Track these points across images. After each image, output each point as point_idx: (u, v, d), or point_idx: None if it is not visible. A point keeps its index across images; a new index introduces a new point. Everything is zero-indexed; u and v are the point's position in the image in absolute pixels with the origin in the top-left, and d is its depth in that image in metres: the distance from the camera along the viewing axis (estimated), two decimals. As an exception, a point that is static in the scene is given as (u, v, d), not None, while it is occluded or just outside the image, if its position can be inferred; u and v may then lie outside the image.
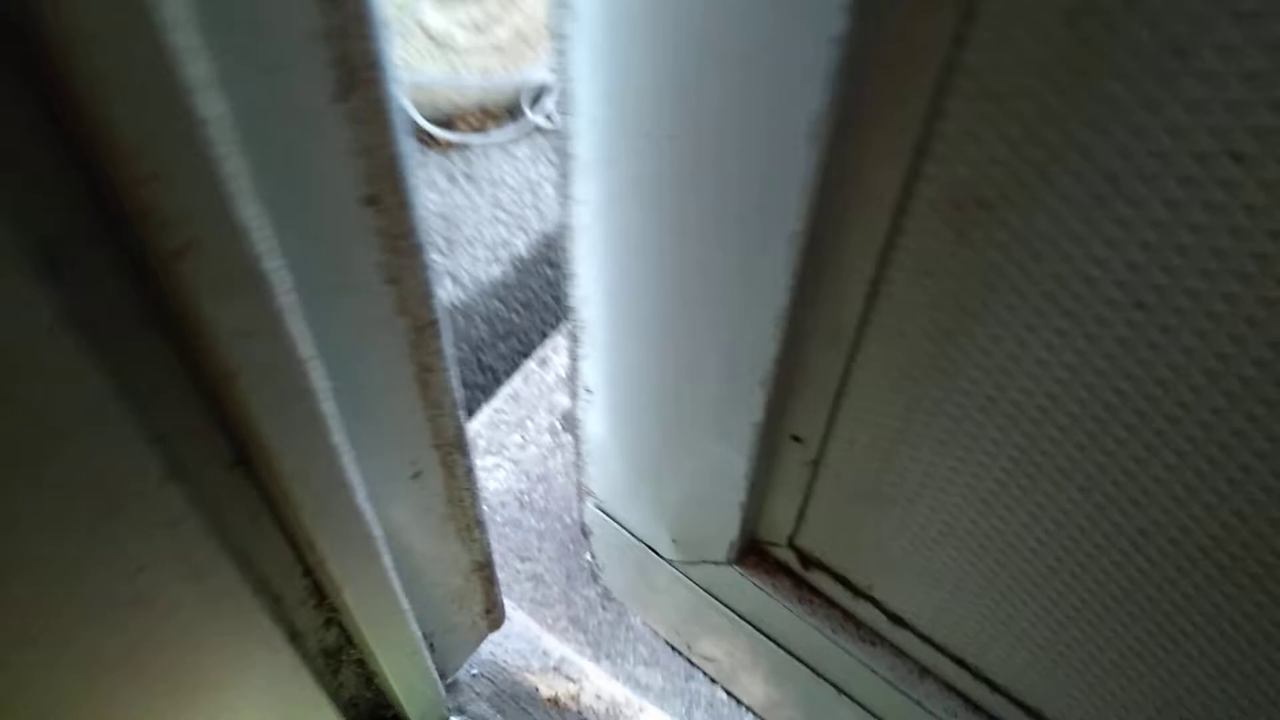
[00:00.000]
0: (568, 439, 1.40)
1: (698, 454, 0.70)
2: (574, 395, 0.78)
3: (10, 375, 0.37)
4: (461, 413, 0.69)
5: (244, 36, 0.38)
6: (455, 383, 0.66)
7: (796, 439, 0.66)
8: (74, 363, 0.38)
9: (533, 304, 1.68)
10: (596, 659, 1.19)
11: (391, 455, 0.66)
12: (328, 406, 0.52)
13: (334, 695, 0.79)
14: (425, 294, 0.58)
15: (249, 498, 0.56)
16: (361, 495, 0.60)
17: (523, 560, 1.28)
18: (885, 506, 0.65)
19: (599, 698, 1.10)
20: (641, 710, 1.10)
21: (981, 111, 0.41)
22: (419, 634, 0.78)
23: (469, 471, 0.74)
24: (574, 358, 0.74)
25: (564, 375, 1.48)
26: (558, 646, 1.15)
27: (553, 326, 1.63)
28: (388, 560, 0.67)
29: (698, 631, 0.95)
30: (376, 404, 0.62)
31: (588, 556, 1.08)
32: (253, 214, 0.40)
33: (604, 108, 0.53)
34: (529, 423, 1.43)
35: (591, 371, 0.73)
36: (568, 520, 1.30)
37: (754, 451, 0.66)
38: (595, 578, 1.11)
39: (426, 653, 0.82)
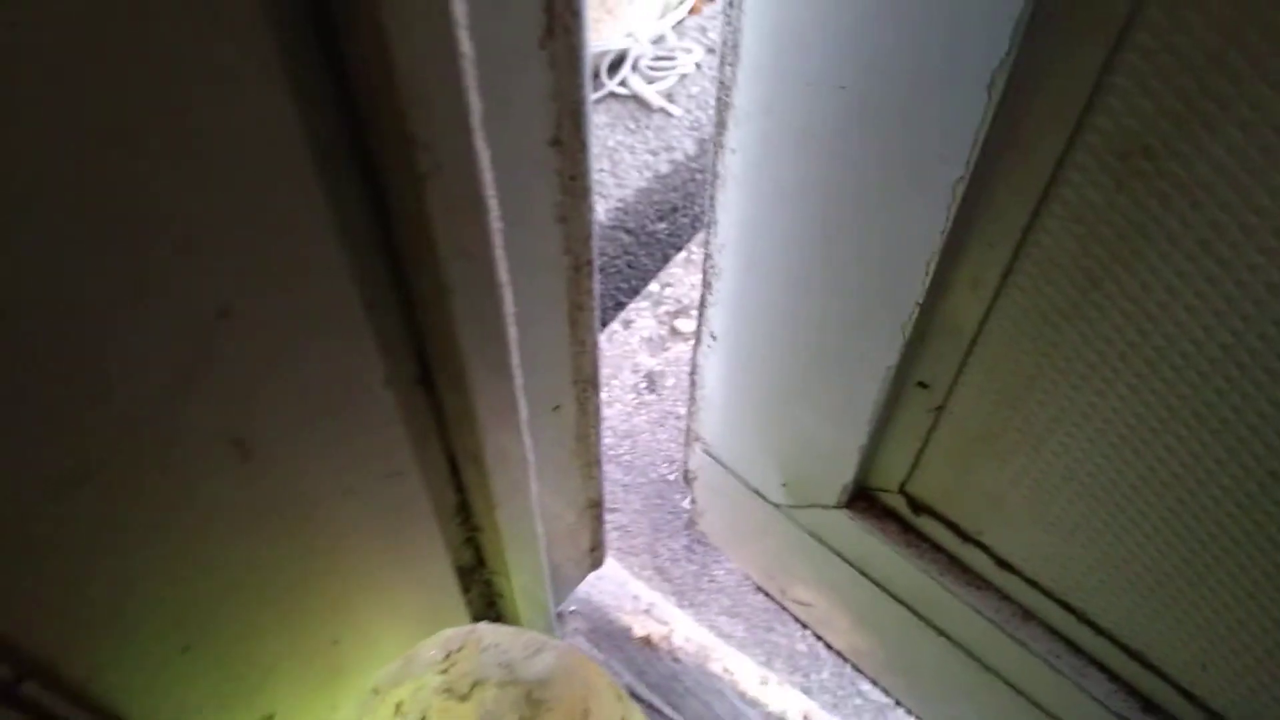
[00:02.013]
0: (652, 398, 1.44)
1: (822, 400, 0.74)
2: (698, 341, 0.82)
3: (300, 269, 0.42)
4: (598, 351, 0.74)
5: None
6: (597, 322, 0.71)
7: (922, 385, 0.69)
8: (341, 266, 0.43)
9: (609, 269, 1.72)
10: (681, 606, 1.23)
11: (540, 387, 0.71)
12: (513, 331, 0.57)
13: (464, 611, 0.85)
14: (588, 234, 0.62)
15: (423, 415, 0.61)
16: (525, 419, 0.65)
17: (610, 511, 1.33)
18: (1006, 453, 0.68)
19: (688, 640, 1.15)
20: (728, 655, 1.15)
21: (1158, 65, 0.44)
22: (547, 560, 0.83)
23: (598, 409, 0.79)
24: (703, 304, 0.78)
25: (647, 337, 1.52)
26: (647, 592, 1.20)
27: (632, 291, 1.67)
28: (535, 485, 0.72)
29: (795, 576, 1.00)
30: (534, 337, 0.66)
31: (686, 502, 1.13)
32: (482, 145, 0.45)
33: (770, 57, 0.57)
34: (614, 382, 1.48)
35: (719, 318, 0.77)
36: (653, 475, 1.34)
37: (881, 397, 0.70)
38: (693, 522, 1.15)
39: (549, 582, 0.87)
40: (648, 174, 1.79)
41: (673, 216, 1.78)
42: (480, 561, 0.81)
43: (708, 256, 0.73)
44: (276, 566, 0.54)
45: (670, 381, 1.41)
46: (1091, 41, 0.46)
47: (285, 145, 0.38)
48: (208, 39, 0.32)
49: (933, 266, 0.58)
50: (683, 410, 1.37)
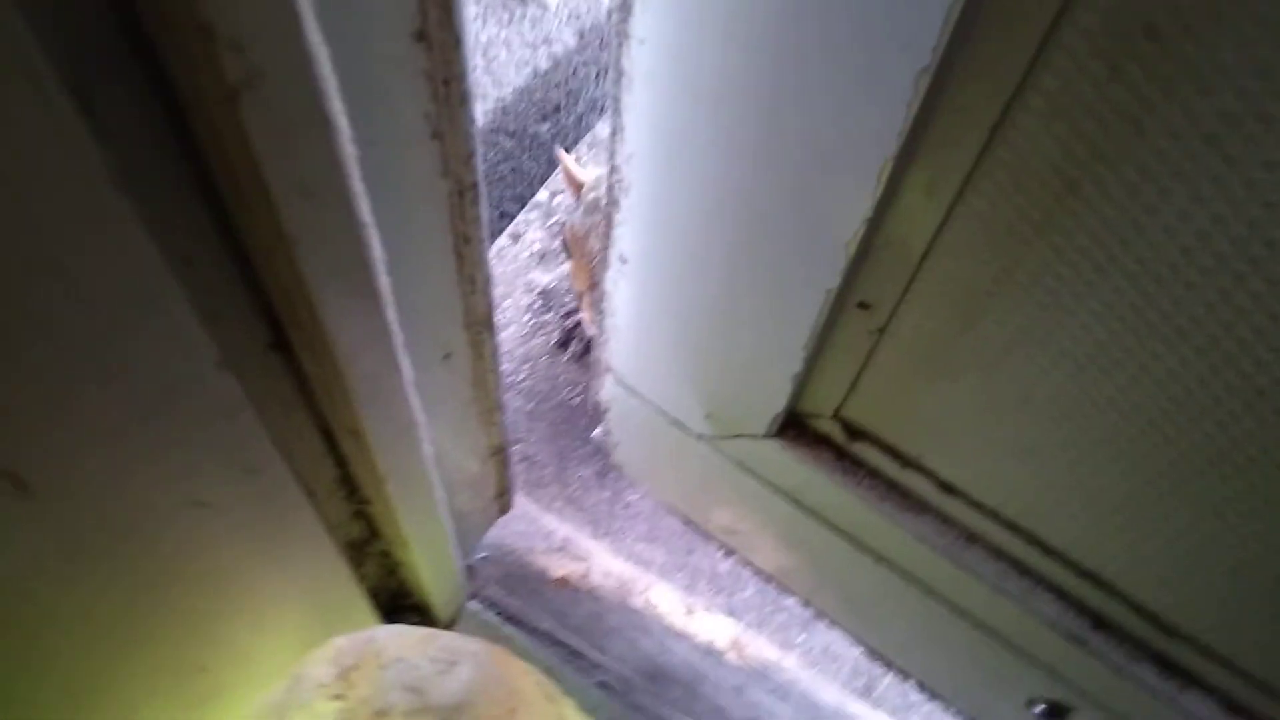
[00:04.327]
0: (548, 317, 1.34)
1: (752, 327, 0.66)
2: (605, 265, 0.72)
3: (70, 248, 0.30)
4: (491, 287, 0.63)
5: None
6: (487, 255, 0.60)
7: (863, 305, 0.61)
8: (130, 230, 0.31)
9: (491, 177, 1.57)
10: (596, 537, 1.17)
11: (425, 336, 0.60)
12: (383, 279, 0.46)
13: (358, 590, 0.75)
14: (470, 151, 0.51)
15: (283, 385, 0.50)
16: (409, 379, 0.54)
17: (514, 443, 1.24)
18: (955, 374, 0.62)
19: (607, 575, 1.08)
20: (649, 586, 1.09)
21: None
22: (450, 523, 0.74)
23: (494, 352, 0.69)
24: (610, 224, 0.67)
25: (539, 251, 1.41)
26: (560, 526, 1.13)
27: (518, 200, 1.54)
28: (428, 449, 0.62)
29: (719, 505, 0.93)
30: (414, 279, 0.55)
31: (597, 433, 1.05)
32: (317, 40, 0.33)
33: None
34: (506, 303, 1.36)
35: (630, 239, 0.67)
36: (555, 400, 1.25)
37: (818, 321, 0.61)
38: (607, 454, 1.08)
39: (455, 543, 0.78)
40: (526, 70, 1.63)
41: (555, 116, 1.63)
42: (373, 533, 0.71)
43: (613, 170, 0.62)
44: (112, 610, 0.43)
45: (568, 298, 1.30)
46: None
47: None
48: None
49: (885, 175, 0.49)
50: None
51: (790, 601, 1.09)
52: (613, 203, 0.65)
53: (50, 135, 0.27)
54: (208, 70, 0.30)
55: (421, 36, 0.42)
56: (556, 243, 1.37)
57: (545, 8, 1.69)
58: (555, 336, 1.28)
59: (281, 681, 0.50)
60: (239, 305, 0.42)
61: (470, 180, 0.53)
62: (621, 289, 0.73)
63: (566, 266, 1.32)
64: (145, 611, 0.47)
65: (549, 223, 1.41)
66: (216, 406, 0.41)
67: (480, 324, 0.64)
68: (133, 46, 0.30)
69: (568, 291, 1.32)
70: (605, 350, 0.83)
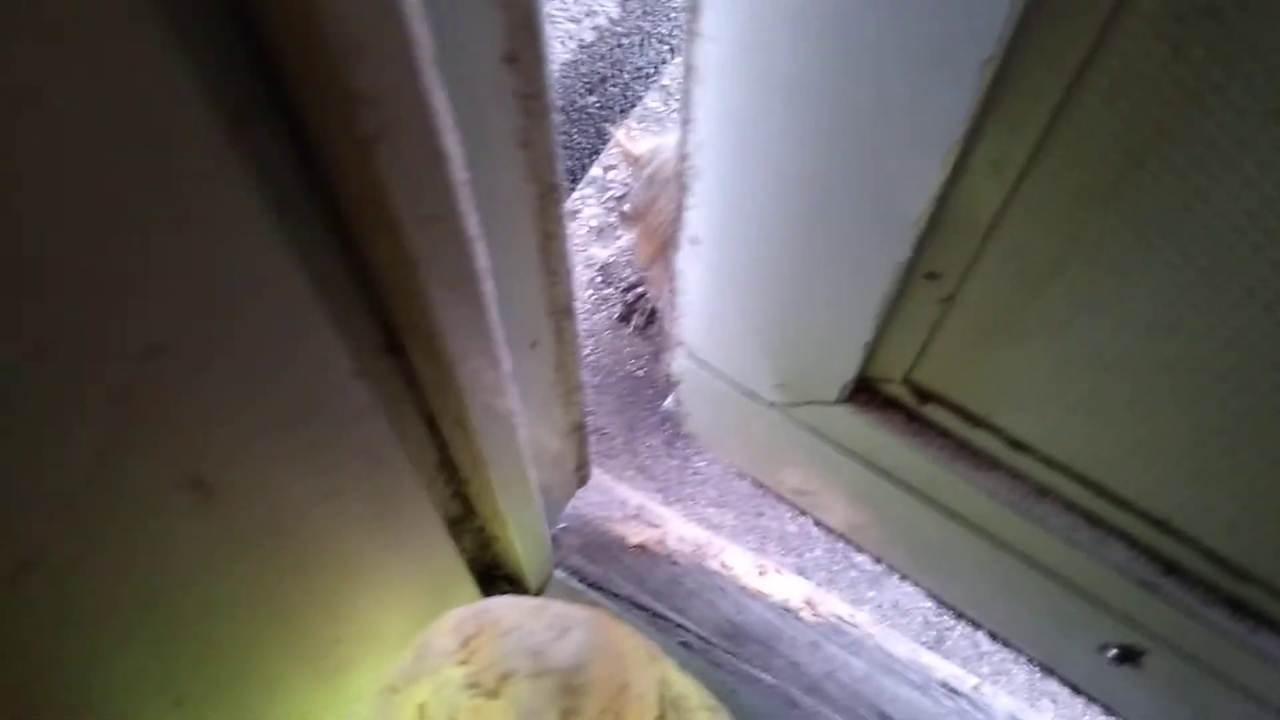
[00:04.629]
0: (609, 292, 1.37)
1: (823, 300, 0.69)
2: (676, 247, 0.75)
3: (243, 283, 0.34)
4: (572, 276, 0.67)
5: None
6: (568, 248, 0.63)
7: (932, 275, 0.64)
8: (281, 256, 0.35)
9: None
10: (668, 504, 1.21)
11: (516, 327, 0.64)
12: (488, 286, 0.50)
13: (460, 564, 0.80)
14: (551, 157, 0.54)
15: (396, 383, 0.54)
16: (508, 370, 0.58)
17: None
18: (1022, 338, 0.64)
19: (682, 540, 1.13)
20: (723, 549, 1.13)
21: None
22: (539, 498, 0.78)
23: (575, 337, 0.73)
24: (681, 207, 0.70)
25: (596, 227, 1.44)
26: (633, 495, 1.17)
27: (571, 176, 1.56)
28: (524, 434, 0.66)
29: (790, 468, 0.97)
30: (506, 277, 0.59)
31: (668, 403, 1.08)
32: (440, 92, 0.36)
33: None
34: (569, 278, 1.39)
35: (701, 221, 0.70)
36: (621, 373, 1.29)
37: (888, 293, 0.64)
38: (677, 424, 1.11)
39: (544, 517, 0.82)
40: (571, 44, 1.65)
41: (602, 88, 1.65)
42: (470, 511, 0.76)
43: (685, 156, 0.65)
44: (263, 594, 0.47)
45: (627, 272, 1.33)
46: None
47: (184, 110, 0.29)
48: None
49: (953, 156, 0.51)
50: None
51: (860, 559, 1.13)
52: (683, 188, 0.68)
53: (227, 214, 0.31)
54: (344, 122, 0.33)
55: (512, 58, 0.46)
56: (613, 217, 1.40)
57: (587, -19, 1.71)
58: (618, 310, 1.31)
59: (408, 651, 0.55)
60: (364, 323, 0.47)
61: (553, 182, 0.56)
62: (693, 268, 0.76)
63: (624, 241, 1.35)
64: (288, 593, 0.52)
65: (604, 198, 1.43)
66: (352, 409, 0.46)
67: (562, 311, 0.68)
68: (271, 98, 0.34)
69: (627, 265, 1.35)
70: (676, 326, 0.86)
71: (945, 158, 0.51)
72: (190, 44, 0.27)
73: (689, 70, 0.58)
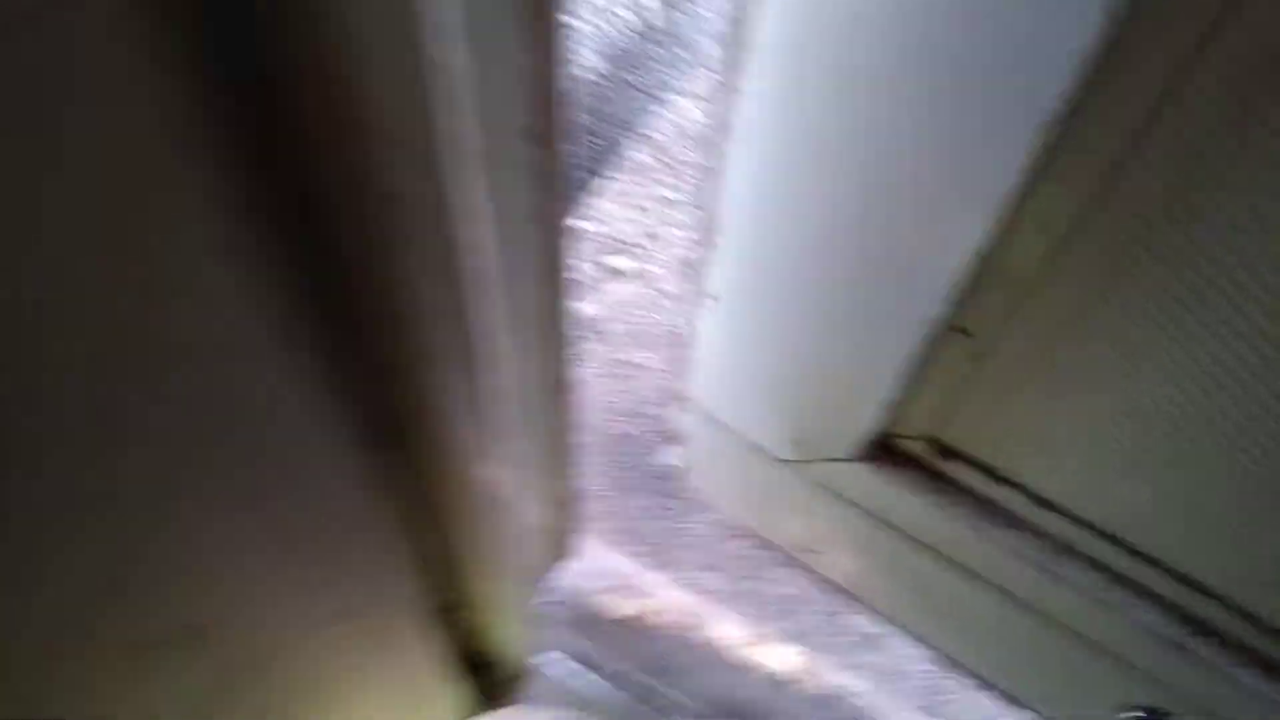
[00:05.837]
0: (595, 347, 1.34)
1: (846, 356, 0.67)
2: (694, 303, 0.73)
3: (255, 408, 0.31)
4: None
5: None
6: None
7: (964, 331, 0.63)
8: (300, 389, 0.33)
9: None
10: (657, 568, 1.17)
11: (513, 405, 0.62)
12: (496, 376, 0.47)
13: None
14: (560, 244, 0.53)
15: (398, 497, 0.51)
16: (505, 451, 0.55)
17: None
18: (1058, 392, 0.63)
19: (672, 609, 1.09)
20: (716, 618, 1.10)
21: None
22: (525, 585, 0.75)
23: (569, 409, 0.71)
24: (701, 265, 0.68)
25: (580, 280, 1.41)
26: (623, 562, 1.13)
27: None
28: (514, 541, 0.63)
29: (797, 525, 0.94)
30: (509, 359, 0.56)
31: (670, 459, 1.06)
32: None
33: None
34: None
35: (721, 278, 0.68)
36: (610, 432, 1.26)
37: (916, 350, 0.63)
38: (673, 481, 1.08)
39: (524, 601, 0.79)
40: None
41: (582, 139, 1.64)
42: (457, 603, 0.72)
43: (709, 214, 0.63)
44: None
45: (620, 328, 1.31)
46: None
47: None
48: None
49: (1003, 213, 0.50)
50: (633, 357, 1.28)
51: (858, 620, 1.10)
52: (706, 245, 0.66)
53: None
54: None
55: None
56: (599, 270, 1.38)
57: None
58: (602, 367, 1.29)
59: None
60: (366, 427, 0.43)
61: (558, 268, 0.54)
62: (710, 325, 0.74)
63: (611, 294, 1.33)
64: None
65: (589, 250, 1.41)
66: (357, 530, 0.43)
67: (559, 387, 0.66)
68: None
69: (611, 319, 1.33)
70: (684, 381, 0.84)
71: (994, 215, 0.50)
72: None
73: (723, 128, 0.57)
